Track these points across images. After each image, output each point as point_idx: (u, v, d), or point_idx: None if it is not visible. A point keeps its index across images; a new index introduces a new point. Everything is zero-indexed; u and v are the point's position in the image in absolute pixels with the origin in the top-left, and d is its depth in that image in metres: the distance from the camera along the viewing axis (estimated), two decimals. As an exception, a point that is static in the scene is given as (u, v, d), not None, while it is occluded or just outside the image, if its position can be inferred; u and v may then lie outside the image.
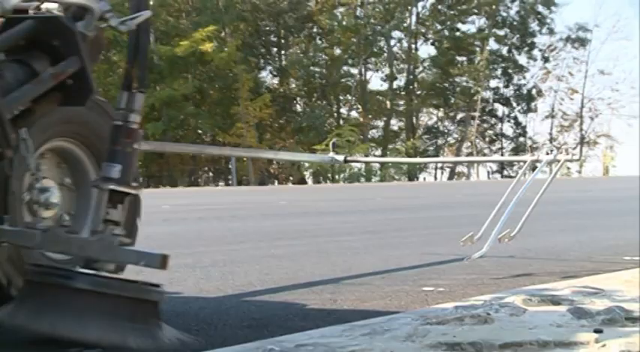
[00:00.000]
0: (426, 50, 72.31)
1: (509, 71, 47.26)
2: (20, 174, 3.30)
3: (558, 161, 5.73)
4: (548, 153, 5.84)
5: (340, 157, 6.06)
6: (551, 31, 47.19)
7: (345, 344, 2.70)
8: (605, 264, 5.67)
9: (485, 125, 47.48)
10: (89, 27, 3.35)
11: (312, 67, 43.65)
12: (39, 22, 3.30)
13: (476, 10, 46.06)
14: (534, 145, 47.70)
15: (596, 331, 2.87)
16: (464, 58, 46.52)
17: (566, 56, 47.63)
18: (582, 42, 47.17)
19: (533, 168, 5.89)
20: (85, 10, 3.31)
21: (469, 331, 2.90)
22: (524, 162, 5.92)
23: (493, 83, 47.33)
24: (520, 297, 3.55)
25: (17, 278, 3.24)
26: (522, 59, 47.53)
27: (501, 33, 46.92)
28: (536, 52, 47.54)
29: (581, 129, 47.37)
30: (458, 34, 46.12)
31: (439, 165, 42.06)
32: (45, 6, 3.41)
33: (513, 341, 2.68)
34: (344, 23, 43.58)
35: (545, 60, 47.62)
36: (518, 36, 46.98)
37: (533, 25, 47.14)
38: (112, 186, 3.08)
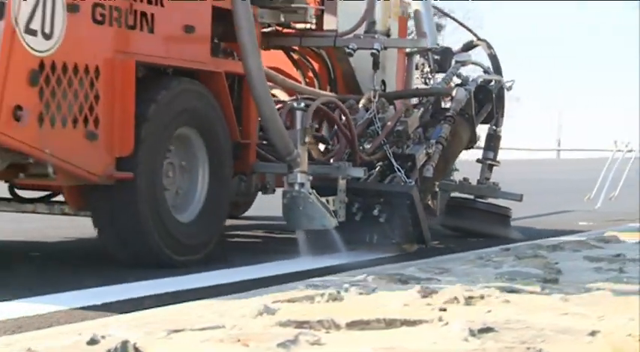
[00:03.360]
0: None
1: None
2: None
3: None
4: None
5: None
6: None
7: (195, 321, 2.69)
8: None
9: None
10: (496, 88, 6.60)
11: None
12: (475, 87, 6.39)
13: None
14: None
15: (441, 310, 2.96)
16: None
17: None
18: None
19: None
20: (495, 81, 6.66)
21: (319, 309, 2.94)
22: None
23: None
24: (370, 276, 3.62)
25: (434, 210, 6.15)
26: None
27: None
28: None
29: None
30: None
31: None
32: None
33: (361, 319, 2.72)
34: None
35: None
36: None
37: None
38: (489, 162, 6.66)
